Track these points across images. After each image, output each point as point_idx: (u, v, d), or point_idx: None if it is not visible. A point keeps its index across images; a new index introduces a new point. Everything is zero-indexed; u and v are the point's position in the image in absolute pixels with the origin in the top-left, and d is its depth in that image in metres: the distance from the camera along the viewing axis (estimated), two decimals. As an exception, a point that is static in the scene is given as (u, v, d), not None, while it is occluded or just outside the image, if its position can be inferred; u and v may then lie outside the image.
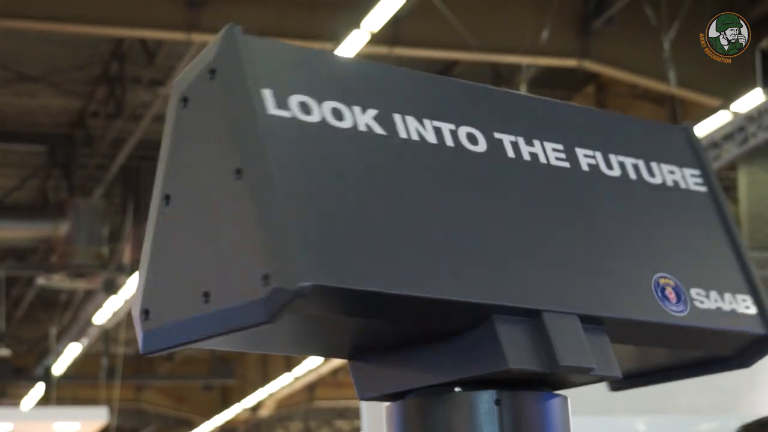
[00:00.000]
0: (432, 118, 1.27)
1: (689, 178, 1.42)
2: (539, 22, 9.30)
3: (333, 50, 9.62)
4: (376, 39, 9.32)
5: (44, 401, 16.71)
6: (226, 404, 19.77)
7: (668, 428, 4.07)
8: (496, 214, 1.24)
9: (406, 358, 1.20)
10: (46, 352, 16.70)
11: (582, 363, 1.16)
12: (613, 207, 1.35)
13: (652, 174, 1.39)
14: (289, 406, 19.90)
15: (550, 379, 1.20)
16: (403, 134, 1.24)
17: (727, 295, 1.36)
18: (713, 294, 1.35)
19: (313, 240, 1.11)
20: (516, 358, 1.14)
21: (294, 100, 1.19)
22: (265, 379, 18.20)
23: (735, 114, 9.08)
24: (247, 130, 1.15)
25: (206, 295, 1.14)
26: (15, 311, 16.17)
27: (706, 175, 1.44)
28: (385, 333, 1.19)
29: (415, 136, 1.24)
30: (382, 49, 9.74)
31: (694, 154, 1.45)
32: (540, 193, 1.30)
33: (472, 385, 1.16)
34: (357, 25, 9.15)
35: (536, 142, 1.32)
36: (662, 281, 1.31)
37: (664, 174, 1.41)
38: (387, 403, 1.21)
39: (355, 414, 17.16)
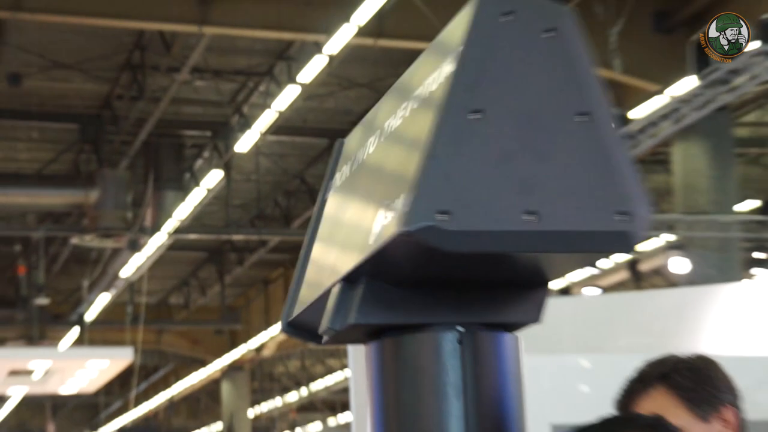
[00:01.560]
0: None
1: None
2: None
3: (325, 42, 9.58)
4: (363, 32, 9.28)
5: (78, 342, 16.72)
6: (234, 345, 19.79)
7: (611, 365, 4.09)
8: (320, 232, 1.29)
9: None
10: (80, 301, 16.69)
11: (321, 327, 1.15)
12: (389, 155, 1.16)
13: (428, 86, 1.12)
14: (287, 347, 19.94)
15: (504, 322, 1.17)
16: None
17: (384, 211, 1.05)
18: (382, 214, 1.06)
19: None
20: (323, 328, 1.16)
21: None
22: (267, 324, 18.22)
23: (671, 97, 9.10)
24: None
25: None
26: (53, 266, 16.16)
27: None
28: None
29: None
30: (368, 41, 9.70)
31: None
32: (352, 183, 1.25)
33: (441, 327, 1.13)
34: (347, 19, 9.10)
35: (388, 123, 1.22)
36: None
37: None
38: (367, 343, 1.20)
39: (344, 354, 17.19)
